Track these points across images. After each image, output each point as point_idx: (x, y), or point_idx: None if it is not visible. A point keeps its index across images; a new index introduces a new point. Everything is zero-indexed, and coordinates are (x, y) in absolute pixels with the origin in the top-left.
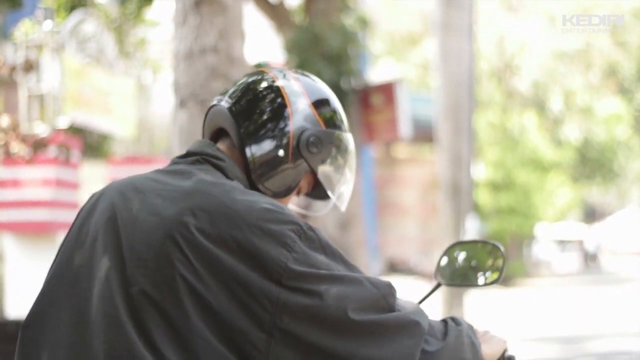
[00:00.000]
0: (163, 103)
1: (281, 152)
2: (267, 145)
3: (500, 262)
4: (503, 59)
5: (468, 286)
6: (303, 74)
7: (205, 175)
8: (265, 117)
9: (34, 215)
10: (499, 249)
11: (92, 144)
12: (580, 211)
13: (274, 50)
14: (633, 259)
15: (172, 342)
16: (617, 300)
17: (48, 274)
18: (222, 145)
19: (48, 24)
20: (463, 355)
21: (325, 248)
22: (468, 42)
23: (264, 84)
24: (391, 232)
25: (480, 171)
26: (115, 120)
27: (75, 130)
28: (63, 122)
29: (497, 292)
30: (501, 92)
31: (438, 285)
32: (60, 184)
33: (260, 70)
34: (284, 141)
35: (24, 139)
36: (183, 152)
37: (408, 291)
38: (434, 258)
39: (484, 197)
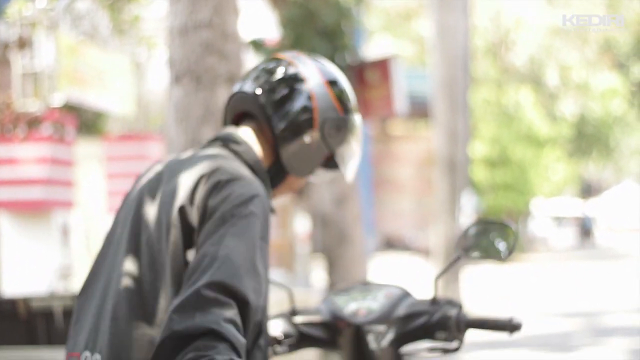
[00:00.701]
0: (158, 80)
1: (307, 139)
2: (294, 133)
3: (512, 239)
4: (499, 35)
5: (485, 259)
6: (315, 60)
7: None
8: (291, 105)
9: (29, 194)
10: (511, 228)
11: (87, 122)
12: (576, 187)
13: (268, 26)
14: (629, 234)
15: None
16: (613, 276)
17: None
18: (247, 130)
19: (42, 2)
20: None
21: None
22: (464, 18)
23: (286, 71)
24: (387, 209)
25: (476, 147)
26: (110, 98)
27: (70, 108)
28: (57, 100)
29: (493, 269)
30: (497, 68)
31: (458, 258)
32: (55, 161)
33: (278, 57)
34: (309, 128)
35: (18, 117)
36: (178, 128)
37: (404, 267)
38: (430, 234)
39: (479, 173)
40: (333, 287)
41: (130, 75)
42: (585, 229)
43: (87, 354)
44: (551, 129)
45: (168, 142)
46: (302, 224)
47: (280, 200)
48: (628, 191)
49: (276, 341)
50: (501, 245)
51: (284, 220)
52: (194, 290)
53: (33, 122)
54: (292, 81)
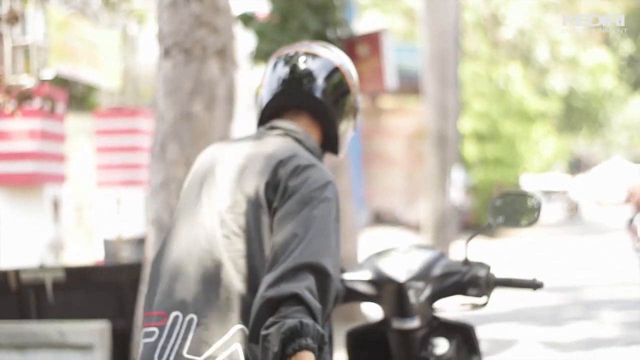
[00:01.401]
0: (148, 54)
1: (351, 132)
2: (347, 119)
3: (537, 208)
4: (489, 9)
5: (512, 226)
6: (330, 48)
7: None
8: (342, 103)
9: (20, 167)
10: (537, 198)
11: (77, 96)
12: (566, 162)
13: (258, 0)
14: (617, 209)
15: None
16: (601, 250)
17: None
18: (301, 120)
19: None
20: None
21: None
22: None
23: (328, 66)
24: (377, 183)
25: (466, 122)
26: (101, 72)
27: (60, 82)
28: (48, 74)
29: (483, 242)
30: (487, 43)
31: (489, 225)
32: (45, 135)
33: (311, 52)
34: (351, 119)
35: (8, 91)
36: (167, 101)
37: (394, 242)
38: (419, 208)
39: (469, 148)
40: None
41: (120, 50)
42: (572, 204)
43: (177, 313)
44: (541, 104)
45: (157, 115)
46: None
47: None
48: (616, 166)
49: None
50: (525, 214)
51: None
52: (285, 266)
53: (24, 96)
54: (341, 79)
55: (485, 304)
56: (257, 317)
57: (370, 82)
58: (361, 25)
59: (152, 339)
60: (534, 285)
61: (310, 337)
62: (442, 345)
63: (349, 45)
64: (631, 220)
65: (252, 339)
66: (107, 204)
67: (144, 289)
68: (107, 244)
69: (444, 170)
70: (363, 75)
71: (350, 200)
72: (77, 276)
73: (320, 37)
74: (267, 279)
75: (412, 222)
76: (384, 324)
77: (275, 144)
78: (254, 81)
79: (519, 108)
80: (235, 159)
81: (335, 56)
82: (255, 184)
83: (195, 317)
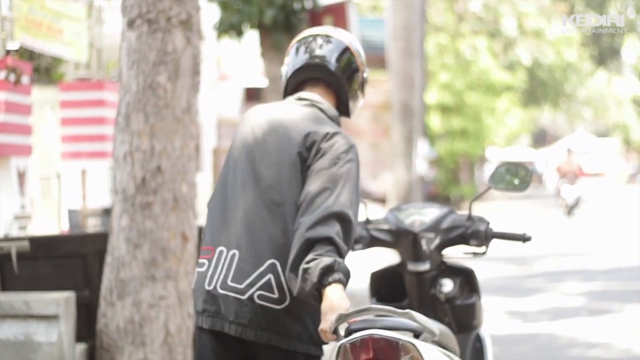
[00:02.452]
0: (115, 26)
1: (360, 101)
2: (358, 90)
3: (528, 176)
4: None
5: (509, 190)
6: (340, 30)
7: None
8: (353, 79)
9: None
10: (527, 168)
11: (43, 68)
12: (531, 135)
13: None
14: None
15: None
16: (565, 221)
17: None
18: (320, 91)
19: None
20: (316, 271)
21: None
22: None
23: (340, 46)
24: None
25: (432, 94)
26: (67, 44)
27: (26, 54)
28: (13, 45)
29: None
30: (452, 15)
31: (489, 188)
32: (10, 107)
33: (325, 34)
34: (360, 90)
35: None
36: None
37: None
38: (385, 180)
39: (435, 120)
40: None
41: (86, 21)
42: (537, 176)
43: (222, 248)
44: (506, 76)
45: (121, 86)
46: None
47: None
48: (580, 139)
49: (354, 241)
50: (519, 181)
51: None
52: (319, 213)
53: None
54: (350, 58)
55: (484, 253)
56: (298, 252)
57: None
58: None
59: (203, 269)
60: (524, 238)
61: (341, 273)
62: (447, 285)
63: (314, 16)
64: (558, 189)
65: (292, 269)
66: (73, 175)
67: (109, 259)
68: (72, 214)
69: (409, 142)
70: None
71: None
72: (42, 246)
73: (286, 8)
74: (304, 222)
75: (378, 193)
76: (400, 266)
77: (305, 113)
78: (220, 52)
79: (484, 80)
80: (271, 123)
81: (346, 38)
82: (290, 146)
83: (237, 252)
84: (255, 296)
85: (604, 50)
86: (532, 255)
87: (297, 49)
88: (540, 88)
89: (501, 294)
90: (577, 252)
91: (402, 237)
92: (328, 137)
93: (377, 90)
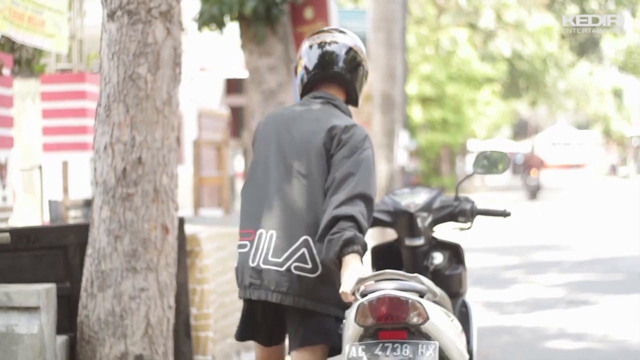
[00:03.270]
0: (97, 17)
1: (365, 87)
2: (360, 86)
3: (506, 162)
4: None
5: (489, 174)
6: (344, 30)
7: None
8: (357, 73)
9: None
10: (506, 155)
11: (24, 60)
12: (512, 127)
13: None
14: (561, 172)
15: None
16: (544, 212)
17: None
18: (332, 89)
19: None
20: (338, 242)
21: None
22: None
23: (345, 47)
24: None
25: (413, 85)
26: (48, 36)
27: (7, 46)
28: None
29: None
30: (433, 6)
31: (473, 173)
32: None
33: (332, 40)
34: (363, 80)
35: None
36: (111, 63)
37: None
38: None
39: (416, 111)
40: None
41: (67, 12)
42: (518, 167)
43: (262, 231)
44: (487, 68)
45: (102, 77)
46: (240, 163)
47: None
48: (561, 131)
49: None
50: (497, 165)
51: (220, 159)
52: (345, 194)
53: None
54: (354, 55)
55: (469, 228)
56: (325, 226)
57: None
58: None
59: (245, 250)
60: (504, 214)
61: (360, 245)
62: (438, 258)
63: (295, 8)
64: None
65: (320, 240)
66: (54, 167)
67: (89, 251)
68: (53, 205)
69: (390, 133)
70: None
71: None
72: (23, 238)
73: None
74: (332, 202)
75: None
76: (398, 242)
77: (323, 109)
78: (201, 44)
79: (464, 72)
80: (296, 120)
81: (349, 39)
82: (316, 139)
83: (275, 232)
84: (292, 267)
85: (584, 41)
86: (510, 247)
87: (309, 51)
88: (521, 79)
89: (479, 286)
90: (554, 244)
91: (399, 217)
92: (347, 129)
93: None
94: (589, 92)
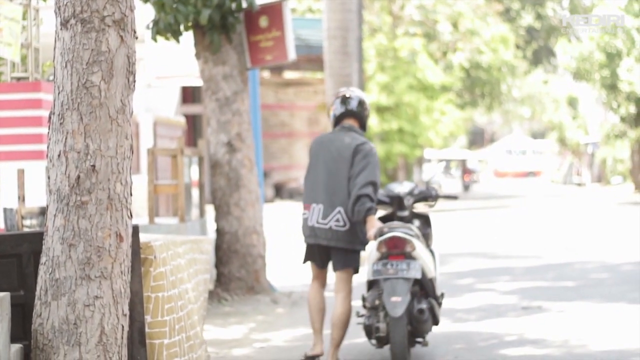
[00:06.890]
0: (53, 25)
1: (369, 118)
2: (365, 120)
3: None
4: None
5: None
6: (355, 90)
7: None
8: (365, 113)
9: None
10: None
11: None
12: (468, 135)
13: None
14: (516, 180)
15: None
16: (497, 219)
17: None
18: (351, 121)
19: None
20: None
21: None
22: None
23: (361, 97)
24: (279, 157)
25: (369, 95)
26: (7, 45)
27: None
28: None
29: None
30: (389, 16)
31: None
32: None
33: (352, 95)
34: (368, 115)
35: None
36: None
37: (294, 215)
38: None
39: (373, 121)
40: (223, 234)
41: (22, 21)
42: (472, 174)
43: (314, 205)
44: (443, 77)
45: (56, 86)
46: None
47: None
48: (517, 139)
49: None
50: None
51: (176, 168)
52: (361, 181)
53: None
54: (362, 102)
55: (434, 205)
56: (353, 201)
57: (271, 53)
58: None
59: (306, 216)
60: (454, 197)
61: (374, 211)
62: (416, 223)
63: (250, 17)
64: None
65: (351, 210)
66: (10, 176)
67: (43, 259)
68: (9, 213)
69: None
70: (265, 47)
71: (254, 170)
72: None
73: (222, 8)
74: (356, 185)
75: None
76: (392, 214)
77: (350, 135)
78: (157, 53)
79: (422, 81)
80: (333, 142)
81: (360, 93)
82: (346, 152)
83: (322, 205)
84: (332, 225)
85: (539, 49)
86: (461, 254)
87: (341, 102)
88: (477, 88)
89: None
90: (506, 251)
91: (394, 199)
92: (363, 144)
93: (314, 92)
94: (544, 101)
